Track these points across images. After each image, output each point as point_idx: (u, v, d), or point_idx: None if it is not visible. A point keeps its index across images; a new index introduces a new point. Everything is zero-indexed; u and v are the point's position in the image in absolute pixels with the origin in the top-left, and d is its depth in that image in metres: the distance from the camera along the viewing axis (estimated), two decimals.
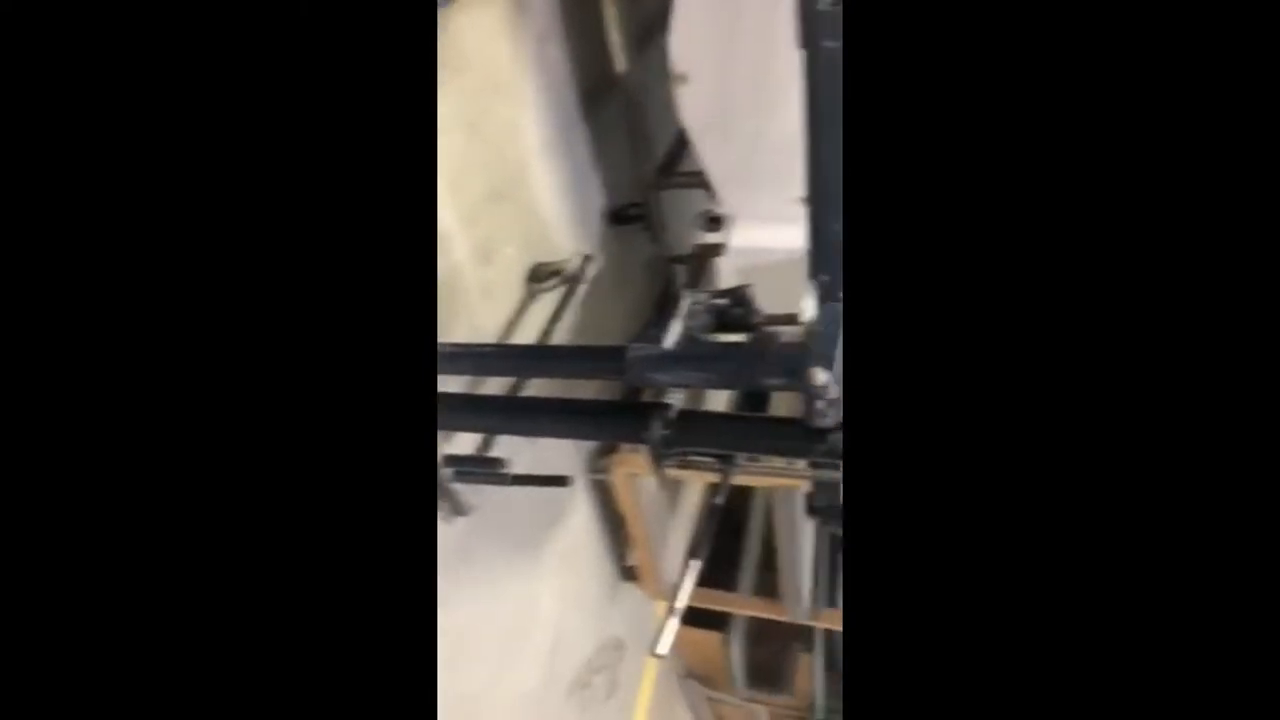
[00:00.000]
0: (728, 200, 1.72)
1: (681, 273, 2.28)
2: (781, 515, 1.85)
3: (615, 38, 1.68)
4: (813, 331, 0.82)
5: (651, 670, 2.84)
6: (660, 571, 2.14)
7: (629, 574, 2.37)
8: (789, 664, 3.07)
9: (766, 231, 1.68)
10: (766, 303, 1.49)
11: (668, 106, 1.62)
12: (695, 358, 0.85)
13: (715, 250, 1.76)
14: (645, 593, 2.32)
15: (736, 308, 0.93)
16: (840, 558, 2.30)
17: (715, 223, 1.74)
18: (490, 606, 1.69)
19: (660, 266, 2.37)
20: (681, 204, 2.06)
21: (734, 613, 2.70)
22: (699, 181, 1.76)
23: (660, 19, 1.68)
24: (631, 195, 1.99)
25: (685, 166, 1.90)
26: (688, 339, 0.87)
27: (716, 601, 2.36)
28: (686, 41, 1.50)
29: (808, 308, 0.88)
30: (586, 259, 1.72)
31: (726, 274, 1.72)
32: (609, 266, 1.99)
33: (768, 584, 2.22)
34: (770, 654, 3.11)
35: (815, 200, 0.79)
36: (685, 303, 0.94)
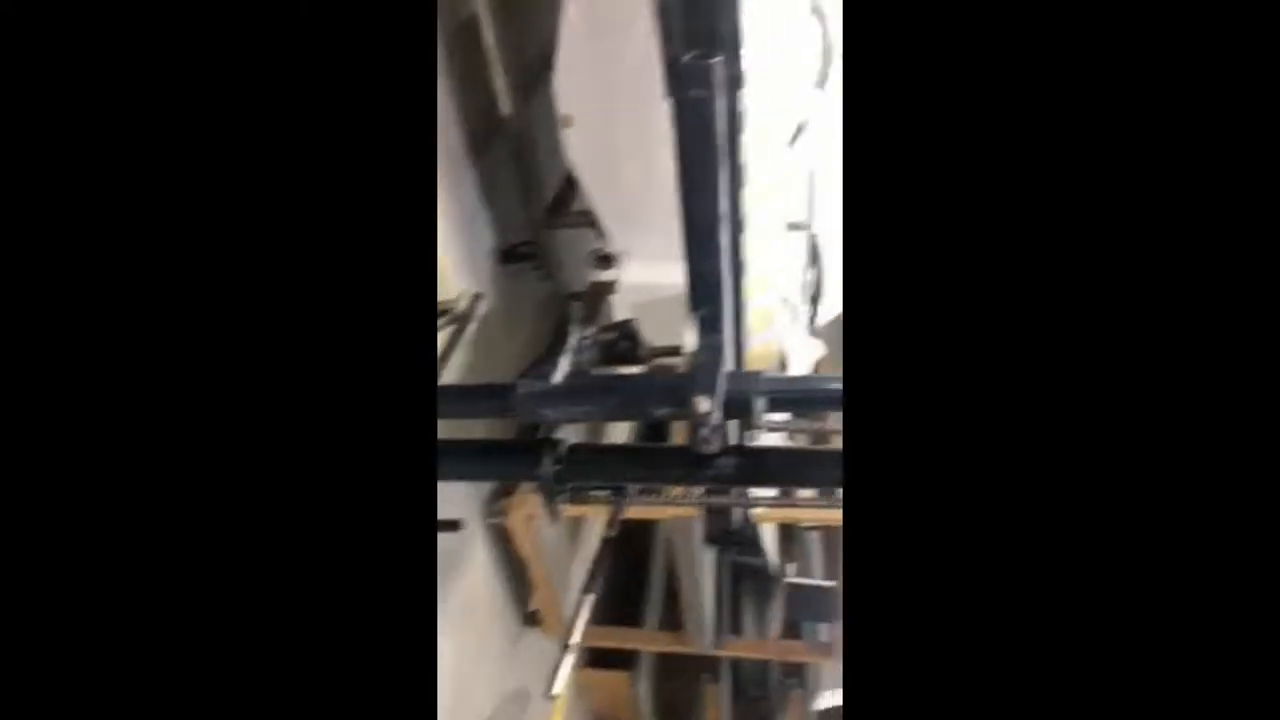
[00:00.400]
0: (618, 239, 1.76)
1: (576, 309, 2.29)
2: (680, 546, 1.87)
3: (500, 81, 1.70)
4: (695, 361, 0.85)
5: (558, 718, 2.75)
6: (564, 615, 2.10)
7: (532, 619, 2.30)
8: (697, 697, 3.07)
9: (657, 269, 1.73)
10: (660, 337, 1.53)
11: (556, 148, 1.66)
12: (583, 391, 0.86)
13: (608, 288, 1.80)
14: (550, 637, 2.26)
15: (623, 341, 0.96)
16: (741, 585, 2.34)
17: (606, 261, 1.77)
18: None
19: (553, 305, 2.38)
20: (574, 242, 2.09)
21: (641, 650, 2.67)
22: (589, 221, 1.79)
23: (544, 63, 1.72)
24: (522, 234, 2.00)
25: (576, 206, 1.93)
26: (576, 373, 0.88)
27: (622, 639, 2.34)
28: (570, 85, 1.54)
29: (690, 340, 0.92)
30: (476, 297, 1.71)
31: (620, 311, 1.76)
32: (500, 306, 1.97)
33: (672, 618, 2.23)
34: (679, 688, 3.09)
35: (690, 239, 0.83)
36: (574, 338, 0.95)
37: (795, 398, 0.84)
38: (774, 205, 1.02)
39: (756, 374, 0.85)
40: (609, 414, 0.90)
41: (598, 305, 2.11)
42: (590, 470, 0.88)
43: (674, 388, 0.83)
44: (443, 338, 1.59)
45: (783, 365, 1.14)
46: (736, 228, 0.88)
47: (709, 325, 0.90)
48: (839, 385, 0.85)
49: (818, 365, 1.23)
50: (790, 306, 1.20)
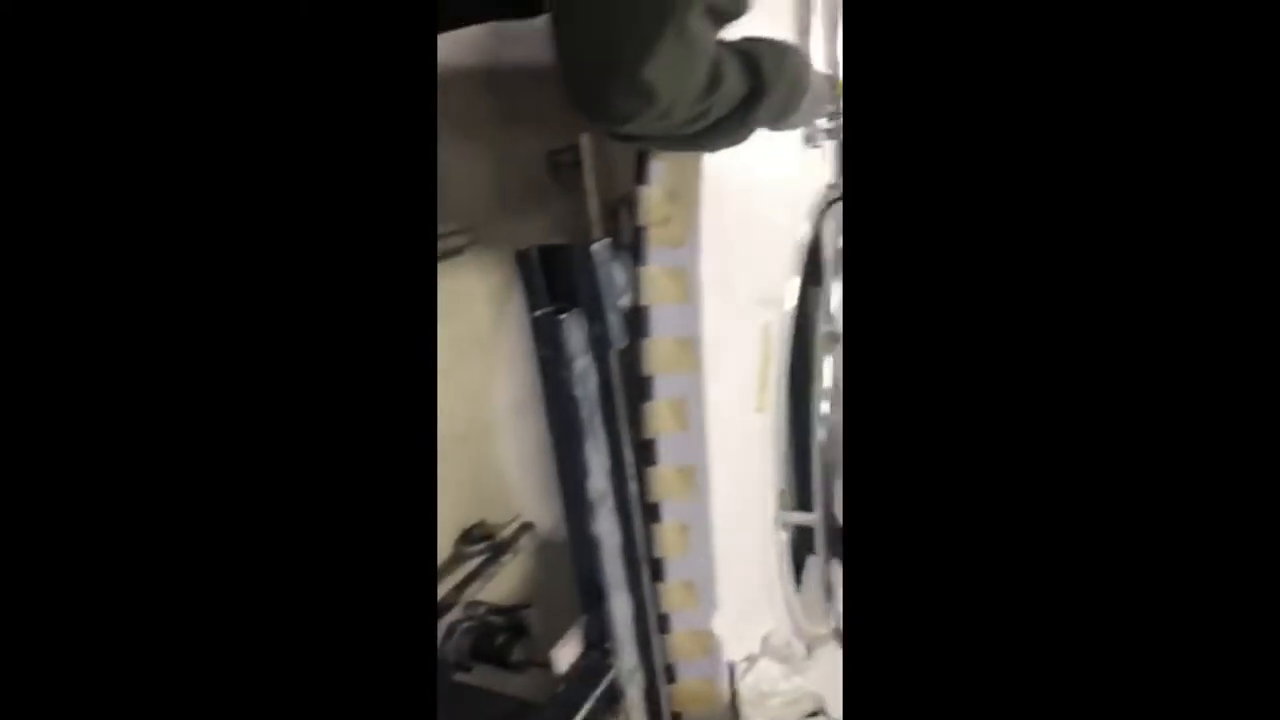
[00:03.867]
0: None
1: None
2: None
3: None
4: (549, 697, 0.62)
5: None
6: None
7: None
8: None
9: None
10: None
11: None
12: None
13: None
14: None
15: (503, 635, 0.76)
16: None
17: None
18: None
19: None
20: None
21: None
22: None
23: None
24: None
25: None
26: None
27: None
28: None
29: (563, 657, 0.68)
30: (524, 527, 1.59)
31: None
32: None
33: None
34: None
35: (569, 523, 0.65)
36: (452, 615, 0.77)
37: None
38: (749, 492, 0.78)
39: None
40: None
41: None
42: None
43: None
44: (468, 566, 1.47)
45: (734, 713, 0.80)
46: (625, 510, 0.68)
47: (593, 643, 0.68)
48: None
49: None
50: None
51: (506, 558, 1.56)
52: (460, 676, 0.79)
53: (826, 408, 0.93)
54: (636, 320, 0.63)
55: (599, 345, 0.60)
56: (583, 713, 0.60)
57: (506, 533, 1.59)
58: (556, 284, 0.60)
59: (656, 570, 0.72)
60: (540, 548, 1.69)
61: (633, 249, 0.64)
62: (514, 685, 0.77)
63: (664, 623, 0.74)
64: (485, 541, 1.58)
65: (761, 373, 0.79)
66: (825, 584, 0.96)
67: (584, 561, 0.67)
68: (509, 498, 1.67)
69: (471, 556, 1.53)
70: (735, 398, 0.72)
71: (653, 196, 0.66)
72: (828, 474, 0.95)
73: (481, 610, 0.81)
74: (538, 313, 0.59)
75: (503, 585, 1.61)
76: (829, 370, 0.93)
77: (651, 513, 0.69)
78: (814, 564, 1.08)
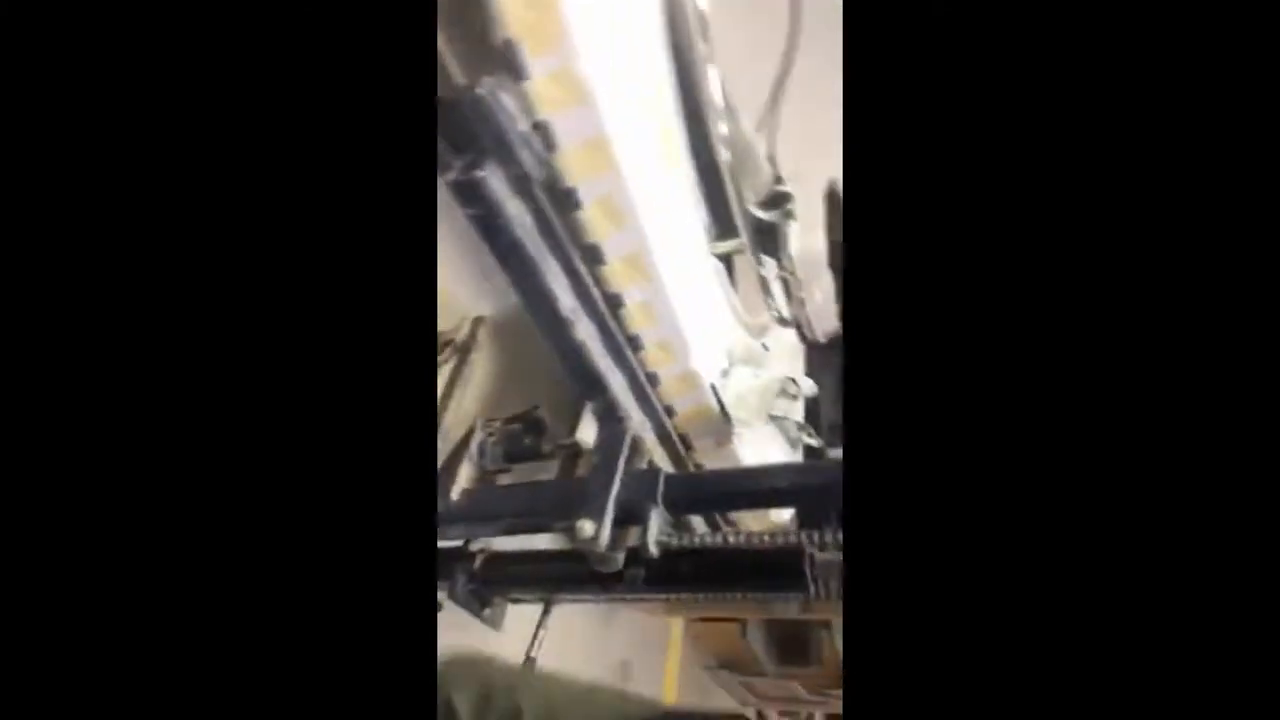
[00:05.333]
0: None
1: None
2: None
3: None
4: (590, 466, 0.77)
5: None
6: None
7: None
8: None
9: None
10: None
11: None
12: (475, 513, 0.80)
13: None
14: None
15: (528, 435, 0.88)
16: None
17: None
18: None
19: None
20: None
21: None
22: None
23: None
24: None
25: None
26: (474, 486, 0.83)
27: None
28: None
29: (587, 433, 0.82)
30: (477, 322, 1.66)
31: None
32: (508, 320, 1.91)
33: None
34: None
35: (547, 338, 0.72)
36: (477, 437, 0.89)
37: (704, 499, 0.74)
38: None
39: (655, 474, 0.74)
40: (502, 532, 0.84)
41: None
42: (504, 584, 0.84)
43: (561, 505, 0.75)
44: (442, 376, 1.56)
45: (725, 417, 1.00)
46: (595, 311, 0.76)
47: (605, 417, 0.80)
48: (757, 481, 0.73)
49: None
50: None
51: (474, 355, 1.65)
52: (504, 479, 0.94)
53: (724, 128, 0.96)
54: (545, 138, 0.63)
55: (521, 183, 0.61)
56: (621, 463, 0.74)
57: (463, 333, 1.66)
58: (460, 141, 0.59)
59: (634, 343, 0.82)
60: (497, 332, 1.77)
61: (510, 69, 0.61)
62: (551, 470, 0.92)
63: (653, 379, 0.87)
64: (448, 347, 1.66)
65: (664, 132, 0.81)
66: (758, 278, 1.10)
67: (575, 364, 0.77)
68: (451, 306, 1.70)
69: (444, 364, 1.62)
70: (651, 162, 0.74)
71: (510, 7, 0.61)
72: (738, 191, 1.02)
73: (497, 423, 0.92)
74: (452, 177, 0.59)
75: (485, 381, 1.71)
76: (716, 89, 0.94)
77: (615, 301, 0.77)
78: (743, 264, 1.20)
